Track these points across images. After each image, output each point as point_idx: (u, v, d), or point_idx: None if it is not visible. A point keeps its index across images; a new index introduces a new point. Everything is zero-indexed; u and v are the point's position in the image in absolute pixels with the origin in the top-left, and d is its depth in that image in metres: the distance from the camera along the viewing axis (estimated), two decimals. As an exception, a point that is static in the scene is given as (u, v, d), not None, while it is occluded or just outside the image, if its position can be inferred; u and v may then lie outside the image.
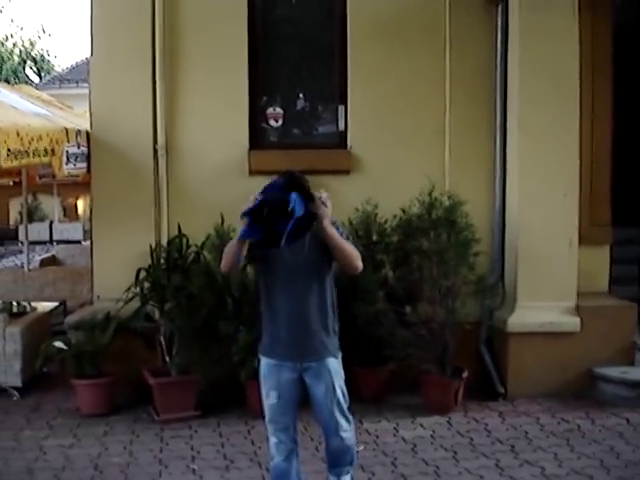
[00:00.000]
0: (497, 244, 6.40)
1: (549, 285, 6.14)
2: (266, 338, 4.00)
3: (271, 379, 3.94)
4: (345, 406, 4.00)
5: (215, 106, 6.35)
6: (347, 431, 4.01)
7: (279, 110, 6.54)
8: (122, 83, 6.22)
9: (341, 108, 6.49)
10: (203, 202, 6.32)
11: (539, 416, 5.84)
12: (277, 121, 6.54)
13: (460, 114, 6.43)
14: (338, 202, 6.33)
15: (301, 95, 6.66)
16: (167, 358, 6.00)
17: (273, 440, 3.98)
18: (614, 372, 6.09)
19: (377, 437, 5.45)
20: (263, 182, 6.26)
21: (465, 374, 5.95)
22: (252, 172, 6.38)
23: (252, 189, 6.23)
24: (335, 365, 3.96)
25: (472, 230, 5.86)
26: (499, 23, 6.24)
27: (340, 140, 6.53)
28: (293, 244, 3.69)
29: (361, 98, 6.46)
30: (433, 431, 5.58)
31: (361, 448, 5.15)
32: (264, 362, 3.98)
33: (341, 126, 6.51)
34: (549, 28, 6.03)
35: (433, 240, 5.87)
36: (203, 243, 6.07)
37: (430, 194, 5.88)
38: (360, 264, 3.90)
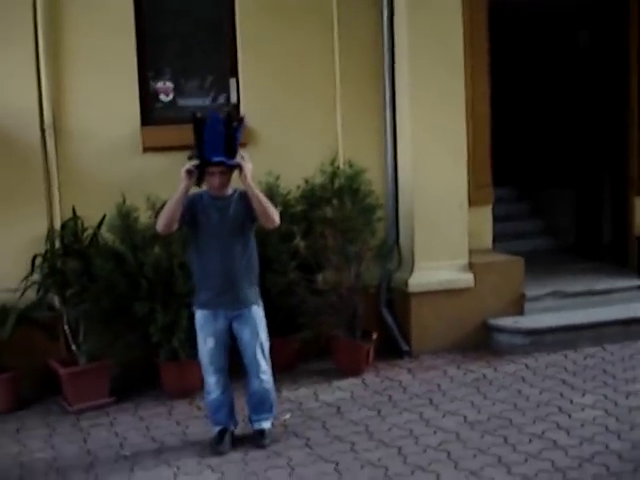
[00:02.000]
0: (391, 209, 6.63)
1: (443, 245, 6.47)
2: (201, 293, 4.70)
3: (208, 327, 4.66)
4: (266, 349, 4.76)
5: (104, 82, 6.06)
6: (266, 373, 4.76)
7: (169, 84, 6.37)
8: (3, 60, 5.81)
9: (232, 81, 6.44)
10: (97, 182, 6.05)
11: (446, 369, 6.19)
12: (167, 95, 6.37)
13: (351, 87, 6.56)
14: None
15: (191, 68, 6.51)
16: (73, 346, 5.76)
17: (212, 379, 4.72)
18: (507, 322, 6.55)
19: (300, 404, 5.55)
20: (158, 160, 6.25)
21: (375, 336, 6.18)
22: (146, 149, 6.21)
23: (147, 167, 6.23)
24: (259, 312, 4.75)
25: (374, 197, 6.06)
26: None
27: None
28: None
29: (253, 71, 6.42)
30: (352, 392, 5.76)
31: (288, 416, 5.26)
32: (200, 314, 4.69)
33: (233, 99, 6.47)
34: (435, 4, 6.29)
35: (337, 208, 6.02)
36: (99, 224, 5.85)
37: (332, 163, 6.01)
38: (278, 219, 4.69)
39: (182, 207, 4.53)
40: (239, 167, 4.62)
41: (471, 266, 6.56)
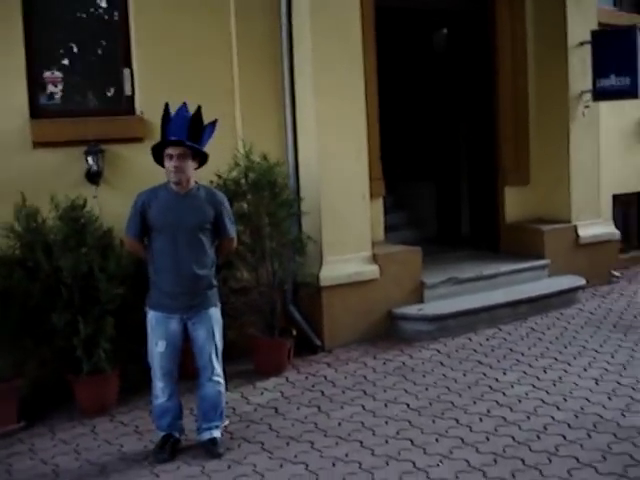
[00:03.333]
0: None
1: (349, 238, 6.47)
2: (154, 293, 4.41)
3: (159, 330, 4.37)
4: (220, 351, 4.53)
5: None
6: (220, 376, 4.52)
7: (57, 73, 5.80)
8: None
9: (126, 71, 5.98)
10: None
11: (364, 360, 6.18)
12: (56, 85, 5.80)
13: (249, 77, 6.36)
14: (135, 172, 6.01)
15: (81, 57, 5.97)
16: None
17: (159, 384, 4.44)
18: (412, 310, 6.70)
19: (233, 408, 5.26)
20: (49, 157, 5.66)
21: (294, 332, 6.04)
22: (36, 144, 5.60)
23: (38, 164, 5.63)
24: (216, 314, 4.50)
25: (289, 191, 5.93)
26: (282, -13, 6.32)
27: (128, 105, 6.03)
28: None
29: (147, 61, 6.01)
30: (281, 392, 5.57)
31: (227, 422, 4.96)
32: (153, 314, 4.40)
33: (127, 90, 6.01)
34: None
35: (252, 203, 5.80)
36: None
37: (247, 156, 5.78)
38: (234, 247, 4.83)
39: (137, 219, 4.41)
40: (201, 157, 4.39)
41: (375, 257, 6.63)
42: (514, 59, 8.09)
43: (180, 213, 4.33)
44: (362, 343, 6.55)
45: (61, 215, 5.17)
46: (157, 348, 4.38)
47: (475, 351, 6.30)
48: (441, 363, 6.05)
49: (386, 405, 5.23)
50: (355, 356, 6.30)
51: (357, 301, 6.51)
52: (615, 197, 9.06)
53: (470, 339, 6.62)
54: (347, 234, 6.44)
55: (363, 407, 5.22)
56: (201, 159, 4.44)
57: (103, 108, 6.04)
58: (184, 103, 4.43)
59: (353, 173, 6.48)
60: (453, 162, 9.03)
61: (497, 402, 5.17)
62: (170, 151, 4.29)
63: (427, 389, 5.49)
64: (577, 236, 8.07)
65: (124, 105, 6.03)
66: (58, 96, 5.82)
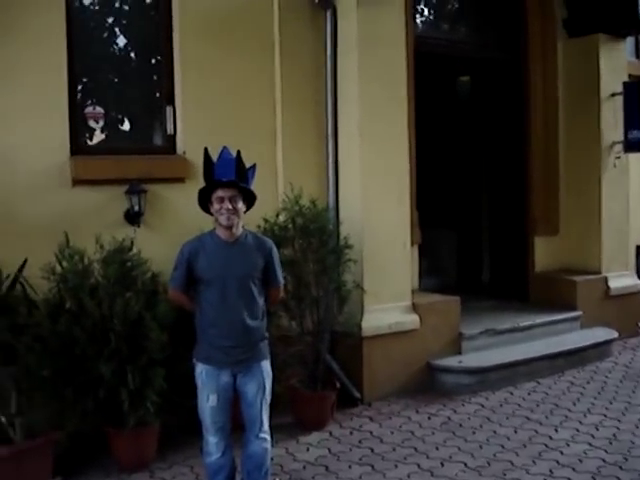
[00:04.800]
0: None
1: (390, 287, 6.27)
2: (203, 346, 4.13)
3: (210, 383, 4.10)
4: (268, 406, 4.25)
5: (27, 105, 5.18)
6: (267, 433, 4.23)
7: (99, 109, 5.58)
8: None
9: (169, 109, 5.80)
10: (18, 221, 5.12)
11: (408, 414, 5.94)
12: (97, 122, 5.57)
13: (291, 118, 6.20)
14: (175, 213, 5.80)
15: (124, 94, 5.77)
16: (2, 419, 4.73)
17: (213, 440, 4.15)
18: (452, 362, 6.48)
19: (281, 466, 5.00)
20: (89, 194, 5.43)
21: (338, 385, 5.79)
22: (76, 182, 5.37)
23: (76, 203, 5.38)
24: (267, 366, 4.23)
25: (344, 237, 5.75)
26: (328, 29, 6.17)
27: (169, 144, 5.83)
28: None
29: (191, 100, 5.83)
30: (328, 449, 5.31)
31: (277, 480, 4.72)
32: (202, 368, 4.13)
33: (170, 129, 5.82)
34: (381, 36, 6.16)
35: (300, 249, 5.59)
36: (21, 268, 4.90)
37: (297, 201, 5.58)
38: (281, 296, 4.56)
39: (183, 271, 4.13)
40: (251, 197, 4.13)
41: (415, 307, 6.43)
42: (545, 109, 8.06)
43: (229, 262, 4.06)
44: (401, 395, 6.31)
45: (105, 257, 4.92)
46: (209, 402, 4.10)
47: (519, 406, 6.09)
48: (488, 419, 5.82)
49: (442, 464, 4.99)
50: (397, 409, 6.06)
51: (397, 352, 6.28)
52: (638, 248, 9.01)
53: (511, 393, 6.40)
54: (388, 282, 6.24)
55: (418, 466, 4.97)
56: (249, 202, 4.18)
57: (144, 147, 5.83)
58: (224, 147, 4.19)
59: (395, 220, 6.31)
60: (475, 210, 8.92)
61: (557, 462, 4.95)
62: (221, 193, 4.02)
63: (481, 447, 5.25)
64: (607, 287, 7.95)
65: (166, 144, 5.84)
66: (99, 133, 5.60)
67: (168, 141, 5.83)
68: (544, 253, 8.07)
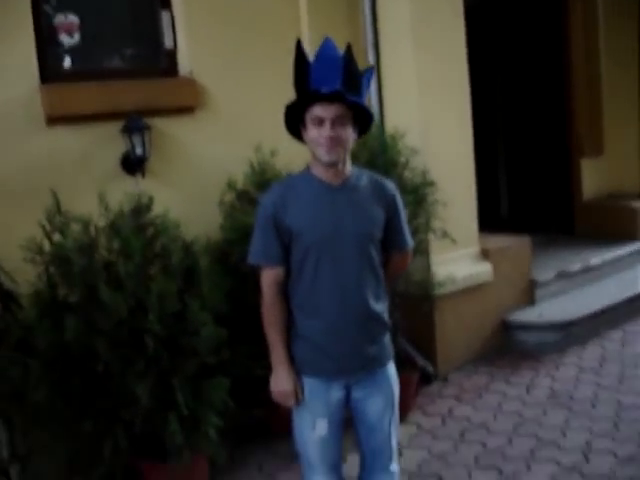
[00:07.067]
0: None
1: (458, 229, 4.89)
2: (302, 347, 2.70)
3: (317, 404, 2.73)
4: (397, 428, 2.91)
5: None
6: (396, 463, 2.89)
7: (72, 17, 3.98)
8: None
9: (165, 15, 4.25)
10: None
11: (498, 388, 4.75)
12: (71, 35, 3.99)
13: (320, 24, 4.69)
14: (187, 157, 4.47)
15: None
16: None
17: None
18: (531, 317, 5.31)
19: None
20: (69, 136, 3.92)
21: (420, 362, 4.55)
22: (51, 120, 3.81)
23: (54, 149, 3.86)
24: (393, 370, 2.85)
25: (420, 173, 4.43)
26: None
27: (169, 63, 4.29)
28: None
29: (195, 2, 4.33)
30: (427, 449, 4.04)
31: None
32: (303, 381, 2.72)
33: (168, 42, 4.28)
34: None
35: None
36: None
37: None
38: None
39: (273, 235, 2.64)
40: (365, 118, 2.67)
41: (485, 253, 5.19)
42: (585, 20, 6.82)
43: (339, 216, 2.65)
44: (477, 363, 5.12)
45: (116, 223, 3.43)
46: (315, 431, 2.73)
47: (624, 363, 4.99)
48: (598, 384, 4.69)
49: (587, 458, 3.81)
50: (481, 382, 4.86)
51: (469, 311, 5.06)
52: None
53: (603, 347, 5.31)
54: (455, 224, 4.89)
55: (558, 464, 3.80)
56: (361, 125, 2.74)
57: (136, 67, 4.28)
58: (327, 38, 2.75)
59: (459, 148, 5.00)
60: (488, 138, 7.70)
61: None
62: (320, 112, 2.55)
63: (617, 426, 4.12)
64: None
65: (164, 62, 4.30)
66: (73, 50, 3.99)
67: (167, 58, 4.29)
68: (590, 177, 6.96)
